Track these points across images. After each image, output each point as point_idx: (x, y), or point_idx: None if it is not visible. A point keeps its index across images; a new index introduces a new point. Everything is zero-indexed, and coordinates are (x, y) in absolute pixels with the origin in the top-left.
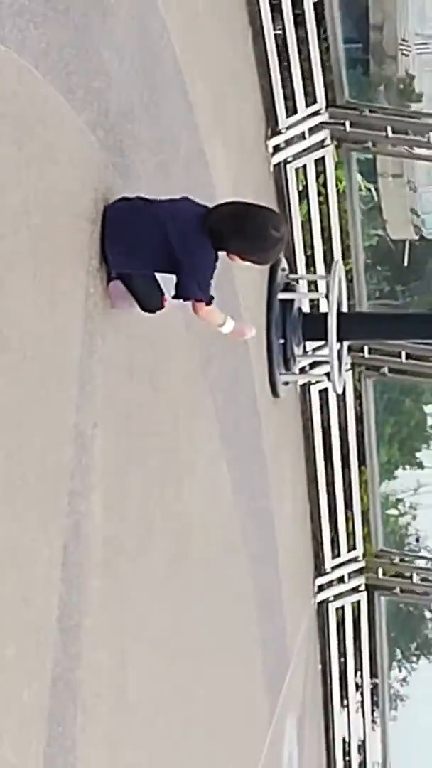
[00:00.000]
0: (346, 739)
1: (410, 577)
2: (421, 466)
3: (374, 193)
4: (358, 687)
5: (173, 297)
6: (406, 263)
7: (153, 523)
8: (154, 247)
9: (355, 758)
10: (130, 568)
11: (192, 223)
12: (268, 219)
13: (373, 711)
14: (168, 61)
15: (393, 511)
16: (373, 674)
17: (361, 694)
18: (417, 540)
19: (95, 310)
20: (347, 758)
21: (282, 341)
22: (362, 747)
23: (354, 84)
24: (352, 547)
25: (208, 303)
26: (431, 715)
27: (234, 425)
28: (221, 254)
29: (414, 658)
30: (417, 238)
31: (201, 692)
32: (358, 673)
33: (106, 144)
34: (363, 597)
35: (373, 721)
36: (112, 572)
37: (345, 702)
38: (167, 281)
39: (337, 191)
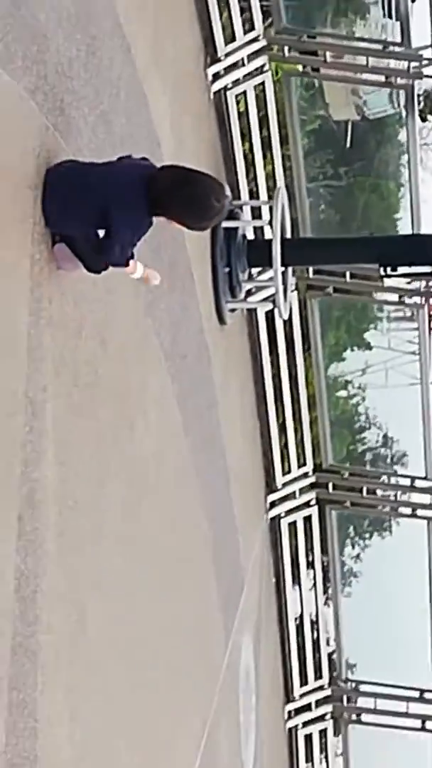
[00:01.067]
0: (298, 618)
1: (360, 491)
2: (369, 347)
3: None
4: (309, 565)
5: (92, 250)
6: (348, 144)
7: (107, 472)
8: (89, 208)
9: (309, 637)
10: (86, 522)
11: (132, 187)
12: (210, 189)
13: (325, 588)
14: (104, 6)
15: (342, 393)
16: (324, 551)
17: (313, 571)
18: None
19: (41, 276)
20: (300, 638)
21: (227, 269)
22: (315, 624)
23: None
24: (302, 464)
25: (126, 264)
26: (384, 590)
27: (182, 360)
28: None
29: (367, 535)
30: (359, 118)
31: (159, 626)
32: (310, 554)
33: (45, 107)
34: (314, 511)
35: (327, 599)
36: (68, 530)
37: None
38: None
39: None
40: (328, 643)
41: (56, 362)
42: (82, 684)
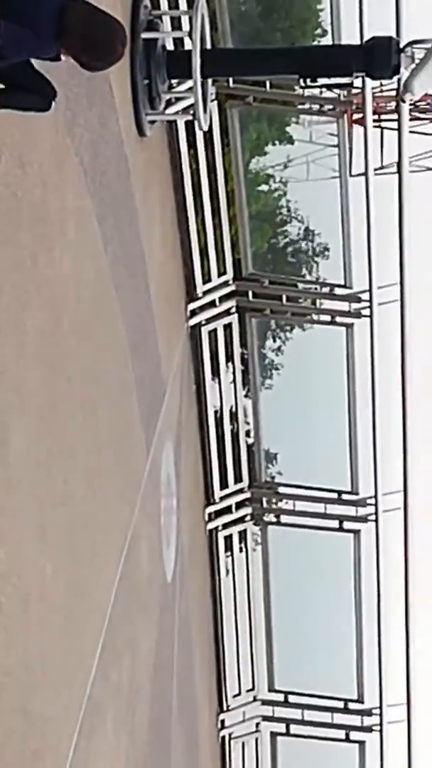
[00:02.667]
0: (217, 411)
1: (279, 298)
2: (290, 140)
3: None
4: (228, 358)
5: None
6: None
7: (28, 296)
8: None
9: (228, 432)
10: (5, 346)
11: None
12: (115, 32)
13: (245, 382)
14: None
15: (264, 187)
16: (243, 345)
17: (233, 366)
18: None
19: None
20: (220, 436)
21: (147, 81)
22: (234, 417)
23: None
24: (222, 272)
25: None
26: (304, 384)
27: (102, 175)
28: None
29: (288, 328)
30: None
31: (80, 441)
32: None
33: None
34: (234, 319)
35: (247, 393)
36: None
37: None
38: None
39: None
40: (248, 435)
41: None
42: (6, 504)
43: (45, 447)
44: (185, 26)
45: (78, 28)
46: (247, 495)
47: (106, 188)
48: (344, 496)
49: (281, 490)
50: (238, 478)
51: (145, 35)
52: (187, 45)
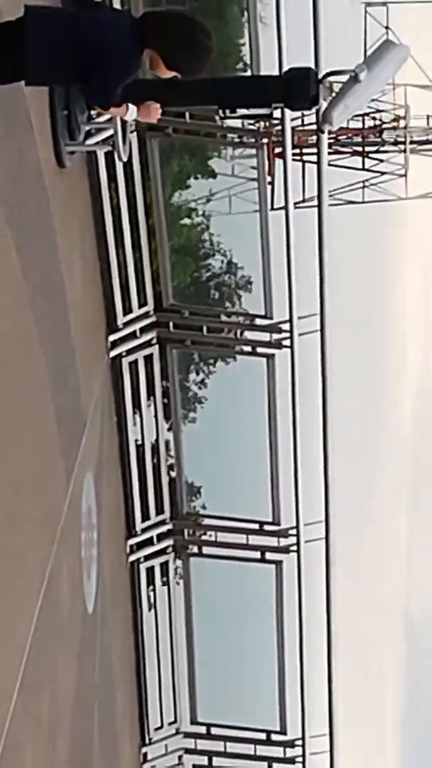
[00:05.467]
0: (140, 449)
1: (200, 329)
2: (213, 174)
3: None
4: (150, 390)
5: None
6: None
7: None
8: (71, 55)
9: (150, 466)
10: None
11: (118, 33)
12: (198, 26)
13: (167, 416)
14: None
15: (186, 221)
16: (164, 377)
17: (154, 401)
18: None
19: None
20: (142, 469)
21: (66, 112)
22: (156, 452)
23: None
24: (143, 303)
25: (119, 105)
26: (226, 416)
27: (20, 206)
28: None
29: (211, 361)
30: None
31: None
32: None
33: None
34: (155, 350)
35: (170, 425)
36: None
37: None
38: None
39: None
40: (171, 469)
41: None
42: None
43: None
44: None
45: (160, 30)
46: (169, 527)
47: (24, 218)
48: (266, 527)
49: (203, 521)
50: (159, 510)
51: None
52: None
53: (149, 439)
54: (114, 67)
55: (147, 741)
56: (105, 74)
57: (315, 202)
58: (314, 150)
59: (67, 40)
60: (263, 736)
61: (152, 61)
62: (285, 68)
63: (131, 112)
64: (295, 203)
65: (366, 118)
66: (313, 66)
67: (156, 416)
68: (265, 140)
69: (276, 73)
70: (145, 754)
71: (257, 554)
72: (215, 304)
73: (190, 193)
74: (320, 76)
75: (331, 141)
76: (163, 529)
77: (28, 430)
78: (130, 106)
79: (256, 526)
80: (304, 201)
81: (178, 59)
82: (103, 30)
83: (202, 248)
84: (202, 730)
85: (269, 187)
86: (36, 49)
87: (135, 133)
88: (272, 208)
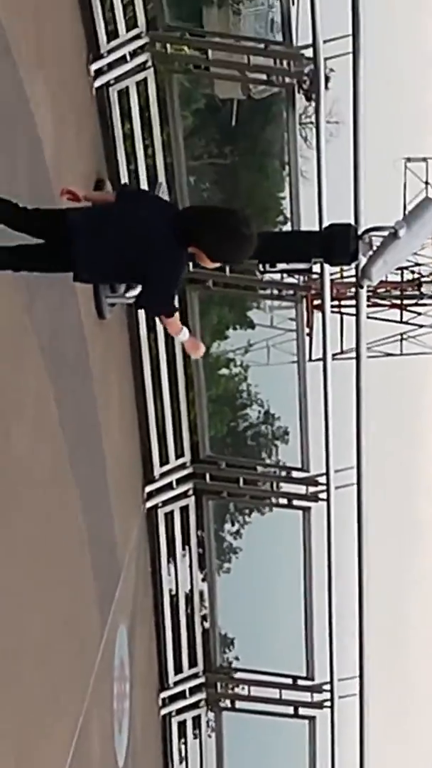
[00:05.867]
0: (173, 593)
1: (237, 481)
2: (251, 325)
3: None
4: (185, 541)
5: (136, 305)
6: (233, 123)
7: None
8: (119, 260)
9: (184, 620)
10: None
11: (162, 230)
12: (237, 218)
13: (201, 564)
14: None
15: (224, 371)
16: (200, 527)
17: (189, 552)
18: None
19: None
20: (175, 621)
21: None
22: (189, 600)
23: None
24: (180, 454)
25: (171, 314)
26: (262, 567)
27: (61, 356)
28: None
29: (247, 511)
30: (244, 97)
31: (32, 621)
32: (186, 528)
33: None
34: (191, 501)
35: (204, 576)
36: None
37: (172, 560)
38: None
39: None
40: (205, 620)
41: None
42: None
43: None
44: None
45: (200, 224)
46: (202, 680)
47: (65, 368)
48: (300, 682)
49: (236, 675)
50: (192, 663)
51: None
52: None
53: (183, 590)
54: (163, 274)
55: None
56: (156, 286)
57: (353, 354)
58: (352, 302)
59: (114, 246)
60: (290, 681)
61: (197, 255)
62: (325, 223)
63: (183, 335)
64: (333, 355)
65: (405, 271)
66: (352, 221)
67: (191, 566)
68: (303, 293)
69: (316, 228)
70: None
71: (290, 709)
72: (252, 454)
73: (229, 343)
74: (360, 231)
75: (370, 294)
76: (196, 682)
77: (63, 582)
78: (184, 329)
79: (290, 681)
80: (342, 352)
81: (222, 254)
82: (148, 227)
83: (239, 398)
84: None
85: (307, 339)
86: (85, 257)
87: None
88: (310, 359)
